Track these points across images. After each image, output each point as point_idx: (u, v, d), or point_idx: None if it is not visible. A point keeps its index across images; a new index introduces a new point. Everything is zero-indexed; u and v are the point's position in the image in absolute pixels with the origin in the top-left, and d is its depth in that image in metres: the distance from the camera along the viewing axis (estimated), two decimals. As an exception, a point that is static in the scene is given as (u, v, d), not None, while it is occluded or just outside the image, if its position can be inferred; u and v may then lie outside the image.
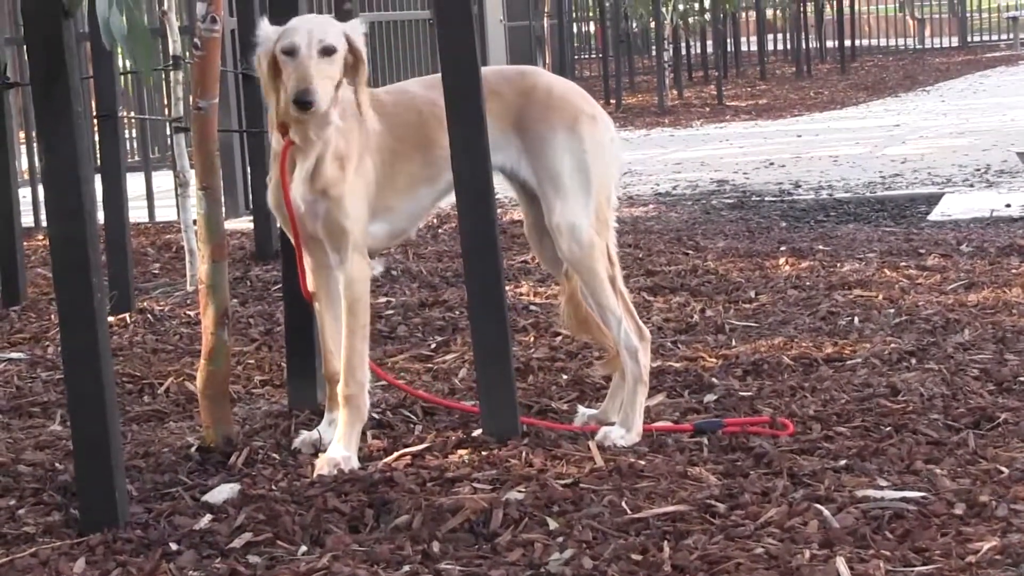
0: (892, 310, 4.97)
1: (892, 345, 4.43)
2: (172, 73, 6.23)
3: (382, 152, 3.53)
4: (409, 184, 3.59)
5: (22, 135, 8.93)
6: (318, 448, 3.55)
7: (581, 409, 3.83)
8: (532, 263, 6.31)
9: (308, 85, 3.30)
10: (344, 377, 3.47)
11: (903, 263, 5.92)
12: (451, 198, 3.69)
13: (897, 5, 30.12)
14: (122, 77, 8.26)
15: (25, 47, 3.22)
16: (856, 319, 4.86)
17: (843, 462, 3.33)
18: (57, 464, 3.54)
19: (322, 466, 3.39)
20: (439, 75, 3.58)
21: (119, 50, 3.64)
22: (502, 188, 3.77)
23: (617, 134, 3.72)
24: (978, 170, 9.33)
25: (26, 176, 8.64)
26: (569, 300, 3.76)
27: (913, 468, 3.28)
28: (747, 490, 3.13)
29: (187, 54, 6.13)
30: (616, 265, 3.65)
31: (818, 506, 2.99)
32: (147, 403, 4.25)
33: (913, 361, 4.26)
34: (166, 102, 8.10)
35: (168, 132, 7.69)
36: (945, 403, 3.77)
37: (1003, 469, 3.24)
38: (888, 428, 3.58)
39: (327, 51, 3.36)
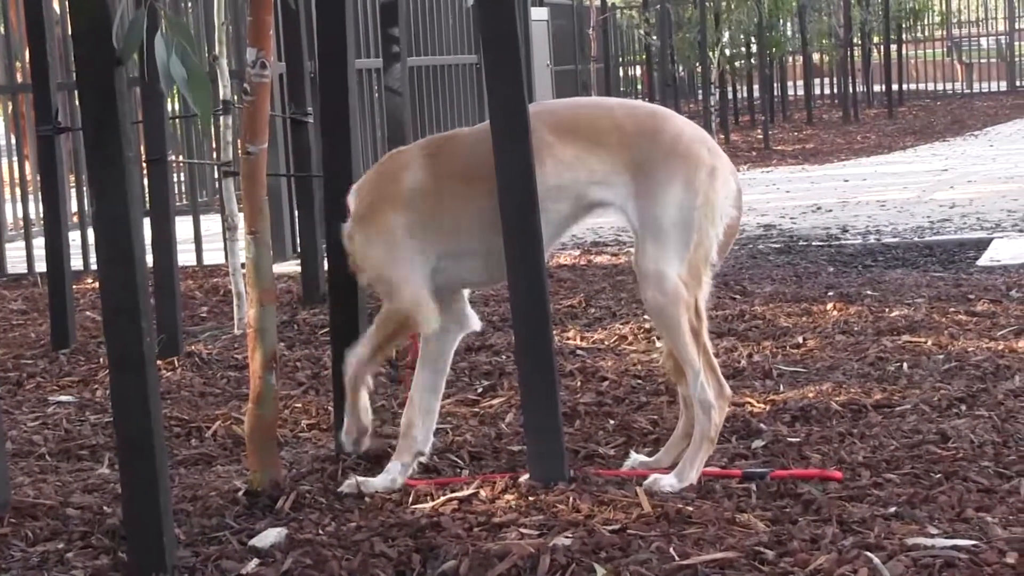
0: (941, 356, 4.93)
1: (942, 391, 4.40)
2: (221, 117, 6.29)
3: None
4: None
5: (72, 178, 9.02)
6: (364, 493, 3.56)
7: (633, 455, 3.81)
8: (579, 307, 6.31)
9: None
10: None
11: (952, 308, 5.88)
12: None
13: (945, 49, 30.03)
14: (171, 121, 8.34)
15: (77, 93, 3.26)
16: (905, 365, 4.83)
17: (893, 509, 3.29)
18: (105, 507, 3.55)
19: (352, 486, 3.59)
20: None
21: (174, 94, 3.67)
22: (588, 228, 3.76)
23: (736, 187, 3.62)
24: (1028, 215, 9.26)
25: (76, 219, 8.73)
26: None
27: (964, 516, 3.24)
28: (796, 537, 3.10)
29: (236, 99, 6.18)
30: (704, 320, 3.57)
31: (868, 554, 2.95)
32: (195, 447, 4.27)
33: (963, 407, 4.22)
34: (215, 146, 8.17)
35: (216, 176, 7.75)
36: (996, 450, 3.73)
37: (1056, 518, 3.20)
38: (938, 475, 3.55)
39: None
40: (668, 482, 3.54)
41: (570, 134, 3.58)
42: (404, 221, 3.60)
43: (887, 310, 5.90)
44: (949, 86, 28.03)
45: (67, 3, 3.17)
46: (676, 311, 3.50)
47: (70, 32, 3.65)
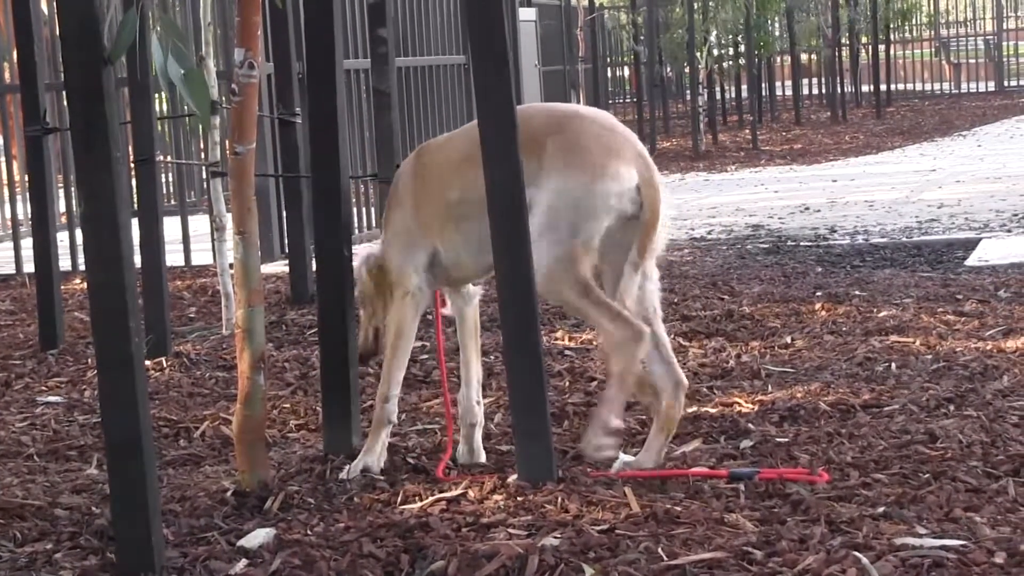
0: (930, 356, 4.94)
1: (930, 391, 4.40)
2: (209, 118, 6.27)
3: None
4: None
5: (60, 179, 9.00)
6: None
7: (623, 456, 3.82)
8: (567, 308, 6.31)
9: None
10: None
11: (940, 309, 5.89)
12: None
13: (933, 50, 30.09)
14: (159, 122, 8.33)
15: (65, 93, 3.25)
16: (893, 365, 4.84)
17: (881, 509, 3.30)
18: (94, 508, 3.55)
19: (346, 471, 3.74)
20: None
21: (161, 95, 3.69)
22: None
23: (632, 183, 3.62)
24: (1016, 215, 9.29)
25: (64, 220, 8.71)
26: None
27: (952, 516, 3.24)
28: (784, 537, 3.11)
29: (224, 99, 6.18)
30: (658, 314, 3.68)
31: (856, 554, 2.96)
32: (183, 447, 4.26)
33: (951, 408, 4.23)
34: (202, 147, 8.15)
35: (204, 176, 7.74)
36: (984, 450, 3.74)
37: (1044, 517, 3.21)
38: (927, 475, 3.55)
39: None
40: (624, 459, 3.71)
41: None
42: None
43: (875, 310, 5.91)
44: (937, 86, 28.10)
45: (55, 3, 3.16)
46: (559, 293, 3.62)
47: (58, 32, 3.64)
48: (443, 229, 3.76)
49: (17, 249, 8.47)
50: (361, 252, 3.93)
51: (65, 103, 3.84)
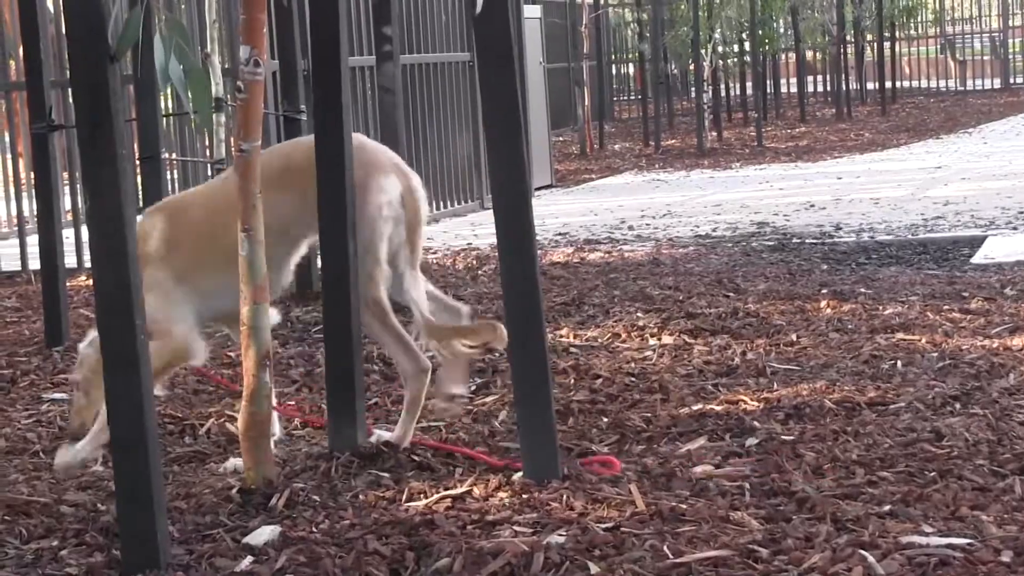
0: (935, 354, 4.93)
1: (936, 389, 4.40)
2: (214, 115, 6.27)
3: None
4: None
5: (65, 176, 9.01)
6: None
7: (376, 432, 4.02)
8: (572, 304, 6.31)
9: None
10: None
11: (946, 306, 5.88)
12: None
13: (938, 47, 30.05)
14: (164, 119, 8.33)
15: (71, 90, 3.25)
16: (899, 363, 4.83)
17: (887, 507, 3.29)
18: (99, 505, 3.55)
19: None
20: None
21: (168, 92, 3.70)
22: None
23: (396, 192, 3.94)
24: (1022, 212, 9.27)
25: (69, 217, 8.71)
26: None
27: (959, 514, 3.24)
28: (790, 535, 3.10)
29: (229, 96, 6.18)
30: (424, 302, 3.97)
31: (862, 552, 2.95)
32: (188, 444, 4.26)
33: (957, 406, 4.22)
34: (208, 144, 8.15)
35: (210, 173, 7.74)
36: (991, 448, 3.73)
37: (1050, 515, 3.20)
38: (933, 473, 3.55)
39: None
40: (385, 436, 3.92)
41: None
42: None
43: (881, 308, 5.90)
44: (943, 83, 28.06)
45: (61, 1, 3.16)
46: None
47: (64, 30, 3.64)
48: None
49: (23, 246, 8.47)
50: (88, 335, 3.99)
51: (71, 100, 3.84)
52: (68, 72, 3.57)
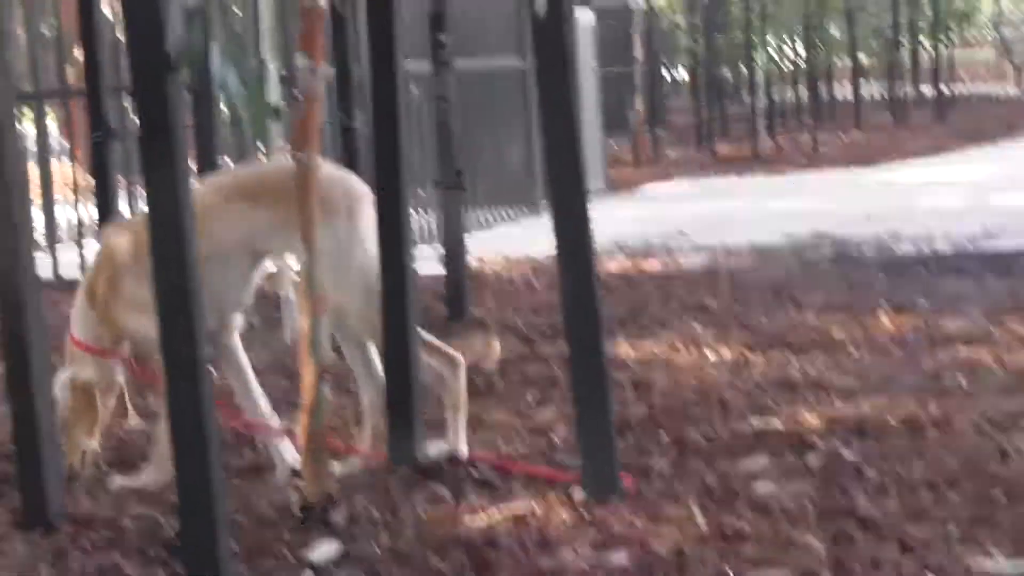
0: (1000, 370, 4.86)
1: (1001, 407, 4.33)
2: (270, 123, 6.28)
3: None
4: None
5: (123, 183, 9.05)
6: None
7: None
8: (628, 316, 6.27)
9: None
10: None
11: (1009, 320, 5.80)
12: None
13: (995, 52, 29.76)
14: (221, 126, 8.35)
15: (131, 98, 3.26)
16: (962, 379, 4.76)
17: (953, 529, 3.25)
18: (161, 518, 3.55)
19: None
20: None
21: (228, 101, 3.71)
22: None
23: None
24: (1085, 221, 9.14)
25: (127, 224, 8.73)
26: None
27: (1027, 538, 3.19)
28: (856, 558, 3.06)
29: (284, 104, 6.18)
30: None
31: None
32: (247, 457, 4.26)
33: (1023, 423, 4.16)
34: (264, 151, 8.17)
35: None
36: (1058, 469, 3.68)
37: (1121, 540, 3.15)
38: (1000, 495, 3.49)
39: None
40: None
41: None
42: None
43: (942, 321, 5.83)
44: (1000, 89, 27.77)
45: (121, 8, 3.16)
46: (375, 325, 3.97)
47: (123, 37, 3.64)
48: None
49: (82, 254, 8.52)
50: (57, 377, 3.93)
51: (128, 107, 3.86)
52: (128, 80, 3.57)
